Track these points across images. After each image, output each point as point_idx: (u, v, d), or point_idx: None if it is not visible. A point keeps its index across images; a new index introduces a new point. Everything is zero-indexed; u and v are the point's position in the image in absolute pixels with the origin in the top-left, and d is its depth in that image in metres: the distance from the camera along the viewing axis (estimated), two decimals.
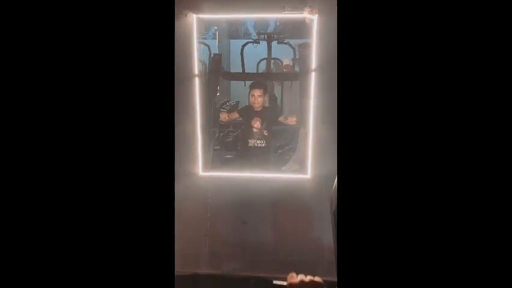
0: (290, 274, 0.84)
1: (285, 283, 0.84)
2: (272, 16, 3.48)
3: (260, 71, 4.08)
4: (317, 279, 0.82)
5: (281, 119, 3.05)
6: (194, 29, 2.40)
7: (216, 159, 3.11)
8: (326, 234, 2.65)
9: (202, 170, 2.60)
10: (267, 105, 3.21)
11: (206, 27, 4.28)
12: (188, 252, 2.67)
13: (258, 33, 3.73)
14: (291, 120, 2.96)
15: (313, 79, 2.38)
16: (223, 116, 3.14)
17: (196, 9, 2.37)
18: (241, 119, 3.15)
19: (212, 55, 3.31)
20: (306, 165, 2.54)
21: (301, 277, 0.83)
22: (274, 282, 0.87)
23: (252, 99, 3.02)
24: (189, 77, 2.46)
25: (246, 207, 2.63)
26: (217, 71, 3.04)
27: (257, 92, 2.98)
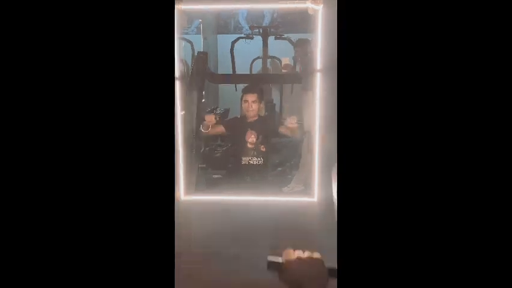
0: (286, 250, 0.87)
1: (280, 259, 0.86)
2: (268, 6, 3.49)
3: (254, 72, 4.01)
4: (315, 255, 0.86)
5: (282, 128, 2.76)
6: (174, 22, 2.20)
7: (201, 180, 2.92)
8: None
9: (183, 193, 2.53)
10: (262, 114, 2.99)
11: (189, 20, 4.12)
12: None
13: (251, 27, 3.76)
14: (291, 123, 2.64)
15: (318, 81, 2.30)
16: (209, 119, 2.74)
17: None
18: (226, 133, 2.93)
19: (196, 53, 3.29)
20: (311, 185, 2.50)
21: (298, 253, 0.86)
22: (269, 258, 0.85)
23: (245, 105, 2.79)
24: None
25: (239, 238, 2.39)
26: (202, 72, 2.92)
27: (251, 97, 2.76)
